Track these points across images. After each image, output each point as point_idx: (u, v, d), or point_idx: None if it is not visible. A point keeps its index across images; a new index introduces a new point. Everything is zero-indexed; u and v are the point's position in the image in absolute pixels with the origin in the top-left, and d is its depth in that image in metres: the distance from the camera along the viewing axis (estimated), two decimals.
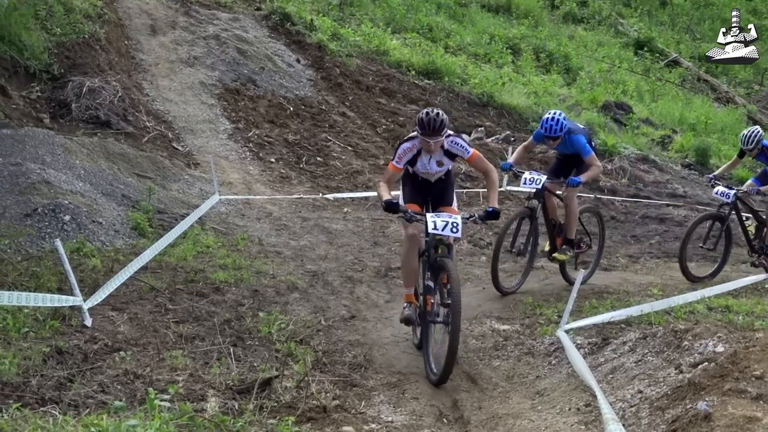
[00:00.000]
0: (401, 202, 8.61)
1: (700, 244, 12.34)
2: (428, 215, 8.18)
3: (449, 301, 7.84)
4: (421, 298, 8.43)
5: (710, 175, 12.72)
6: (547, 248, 10.98)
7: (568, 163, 10.76)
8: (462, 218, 8.27)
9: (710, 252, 12.45)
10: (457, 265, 8.61)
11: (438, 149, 8.48)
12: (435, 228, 8.04)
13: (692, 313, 9.15)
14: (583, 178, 10.43)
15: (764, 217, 12.49)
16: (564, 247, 10.87)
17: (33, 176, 11.19)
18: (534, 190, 10.50)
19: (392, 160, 8.61)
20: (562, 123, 10.30)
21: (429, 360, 8.06)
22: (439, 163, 8.61)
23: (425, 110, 8.41)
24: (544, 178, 10.46)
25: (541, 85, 22.00)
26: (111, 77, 15.29)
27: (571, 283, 10.67)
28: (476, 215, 8.54)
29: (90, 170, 12.27)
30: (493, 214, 8.40)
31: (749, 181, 12.75)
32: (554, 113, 10.43)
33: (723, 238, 12.31)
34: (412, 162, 8.60)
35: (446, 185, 8.87)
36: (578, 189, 10.69)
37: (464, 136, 8.71)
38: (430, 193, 8.78)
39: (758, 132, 12.26)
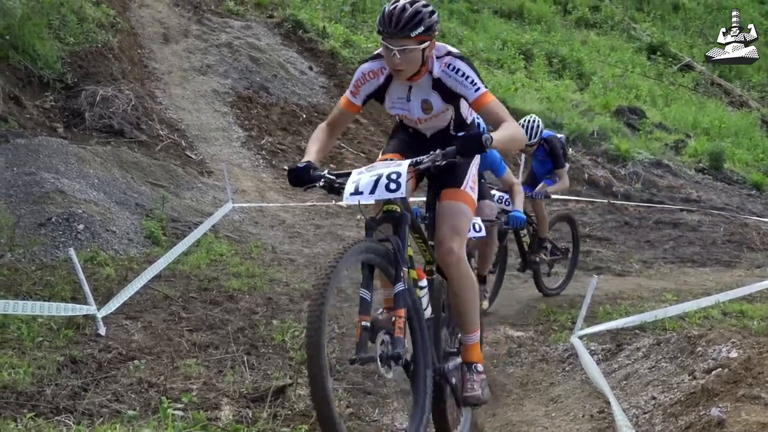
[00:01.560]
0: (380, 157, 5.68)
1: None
2: (353, 173, 4.90)
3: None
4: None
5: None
6: None
7: None
8: (410, 164, 4.90)
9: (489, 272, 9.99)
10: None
11: (423, 77, 5.25)
12: (356, 192, 4.76)
13: (707, 319, 9.12)
14: None
15: (535, 226, 10.78)
16: None
17: (47, 185, 11.24)
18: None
19: (348, 90, 5.65)
20: None
21: None
22: (426, 105, 5.40)
23: None
24: None
25: (554, 90, 21.99)
26: (124, 86, 15.34)
27: None
28: (439, 152, 4.88)
29: (103, 179, 12.31)
30: (472, 141, 4.74)
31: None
32: None
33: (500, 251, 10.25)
34: (380, 96, 5.62)
35: None
36: None
37: None
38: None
39: (538, 121, 10.45)
